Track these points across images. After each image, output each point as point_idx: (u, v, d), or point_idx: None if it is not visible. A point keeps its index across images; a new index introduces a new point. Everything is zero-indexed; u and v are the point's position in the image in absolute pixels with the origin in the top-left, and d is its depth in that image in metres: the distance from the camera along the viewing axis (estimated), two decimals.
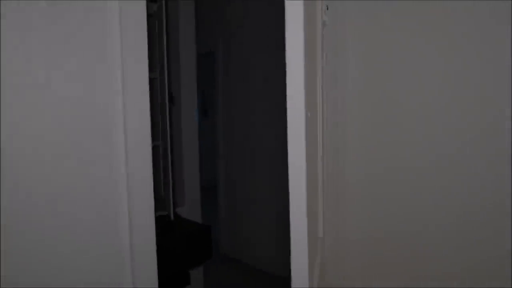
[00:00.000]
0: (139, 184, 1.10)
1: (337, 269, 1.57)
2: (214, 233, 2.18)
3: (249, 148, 3.48)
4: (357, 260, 1.55)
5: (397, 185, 1.48)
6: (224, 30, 3.63)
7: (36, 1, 0.87)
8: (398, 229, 1.48)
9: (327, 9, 1.51)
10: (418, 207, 1.45)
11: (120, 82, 1.04)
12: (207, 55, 3.85)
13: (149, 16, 2.24)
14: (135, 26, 1.07)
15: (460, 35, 1.35)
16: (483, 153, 1.34)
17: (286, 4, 0.78)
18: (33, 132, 0.89)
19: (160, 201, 2.27)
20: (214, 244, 2.17)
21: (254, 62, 3.34)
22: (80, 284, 0.98)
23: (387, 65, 1.48)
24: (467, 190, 1.38)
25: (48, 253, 0.92)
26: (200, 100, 6.10)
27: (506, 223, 1.31)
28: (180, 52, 2.46)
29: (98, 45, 1.00)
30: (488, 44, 1.30)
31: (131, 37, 1.05)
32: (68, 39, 0.94)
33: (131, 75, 1.07)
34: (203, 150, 4.52)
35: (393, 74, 1.47)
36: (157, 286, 1.20)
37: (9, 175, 0.84)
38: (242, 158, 3.58)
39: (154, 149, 2.29)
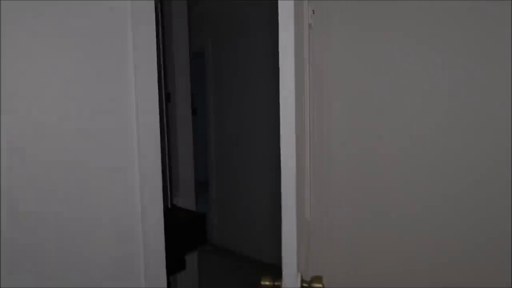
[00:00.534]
0: (151, 171, 1.25)
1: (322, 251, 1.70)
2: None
3: (240, 143, 3.65)
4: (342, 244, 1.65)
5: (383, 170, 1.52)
6: (214, 31, 3.77)
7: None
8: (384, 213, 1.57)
9: (313, 13, 1.66)
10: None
11: (133, 84, 1.18)
12: (196, 56, 3.99)
13: None
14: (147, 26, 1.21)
15: (459, 38, 1.33)
16: (481, 152, 1.34)
17: (280, 4, 0.88)
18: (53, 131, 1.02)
19: None
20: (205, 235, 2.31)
21: (245, 61, 3.50)
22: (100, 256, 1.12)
23: (373, 64, 1.51)
24: (460, 186, 1.40)
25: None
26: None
27: (506, 222, 1.33)
28: (174, 51, 2.60)
29: (115, 47, 1.15)
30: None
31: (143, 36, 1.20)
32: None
33: (142, 75, 1.21)
34: (195, 147, 4.65)
35: (379, 75, 1.50)
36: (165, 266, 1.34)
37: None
38: (233, 153, 3.74)
39: None
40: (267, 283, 0.93)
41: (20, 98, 0.96)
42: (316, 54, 1.61)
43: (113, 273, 1.18)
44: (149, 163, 1.26)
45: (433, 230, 1.45)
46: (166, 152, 2.29)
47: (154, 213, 1.30)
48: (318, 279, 0.95)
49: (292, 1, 0.86)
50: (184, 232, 2.06)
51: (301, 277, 0.93)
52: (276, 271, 0.94)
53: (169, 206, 2.17)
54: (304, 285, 0.92)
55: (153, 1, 1.26)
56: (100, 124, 1.13)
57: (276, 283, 0.91)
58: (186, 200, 2.52)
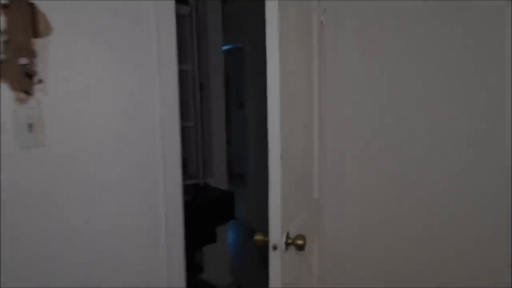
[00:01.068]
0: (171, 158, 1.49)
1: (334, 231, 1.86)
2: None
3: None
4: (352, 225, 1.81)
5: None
6: (250, 27, 3.98)
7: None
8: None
9: (325, 11, 1.81)
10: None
11: (157, 78, 1.42)
12: (238, 51, 4.25)
13: (183, 17, 2.65)
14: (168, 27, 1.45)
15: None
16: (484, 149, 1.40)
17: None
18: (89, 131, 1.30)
19: (192, 172, 2.70)
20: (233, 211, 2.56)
21: None
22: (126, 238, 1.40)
23: (385, 62, 1.60)
24: (461, 185, 1.45)
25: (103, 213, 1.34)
26: (235, 93, 6.52)
27: (506, 222, 1.36)
28: (209, 47, 2.86)
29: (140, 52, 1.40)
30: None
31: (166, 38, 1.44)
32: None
33: (165, 69, 1.45)
34: (240, 140, 4.94)
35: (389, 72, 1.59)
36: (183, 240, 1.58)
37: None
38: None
39: (187, 129, 2.72)
40: (259, 237, 1.16)
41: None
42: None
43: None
44: (171, 147, 1.50)
45: (434, 230, 1.53)
46: (200, 138, 2.57)
47: (174, 185, 1.53)
48: (301, 237, 1.16)
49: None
50: (213, 206, 2.34)
51: (288, 234, 1.15)
52: None
53: (201, 184, 2.45)
54: (289, 241, 1.14)
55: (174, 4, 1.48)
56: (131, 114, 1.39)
57: (265, 238, 1.14)
58: (219, 179, 2.79)
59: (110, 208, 1.32)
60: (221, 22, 2.89)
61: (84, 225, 1.25)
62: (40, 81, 1.12)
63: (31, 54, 1.11)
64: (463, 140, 1.43)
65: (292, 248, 1.17)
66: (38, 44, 1.11)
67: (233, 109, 6.46)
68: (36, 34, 1.11)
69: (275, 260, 1.12)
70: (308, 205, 1.59)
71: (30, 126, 1.10)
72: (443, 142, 1.47)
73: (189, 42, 2.69)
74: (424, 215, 1.54)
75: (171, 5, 1.47)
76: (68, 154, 1.20)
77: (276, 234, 1.11)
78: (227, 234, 2.92)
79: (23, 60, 1.11)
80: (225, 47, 4.31)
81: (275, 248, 1.10)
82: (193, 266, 2.88)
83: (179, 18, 2.68)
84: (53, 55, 1.15)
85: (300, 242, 1.15)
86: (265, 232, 1.15)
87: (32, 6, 1.10)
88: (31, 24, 1.10)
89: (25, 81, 1.10)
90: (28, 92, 1.11)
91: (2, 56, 1.06)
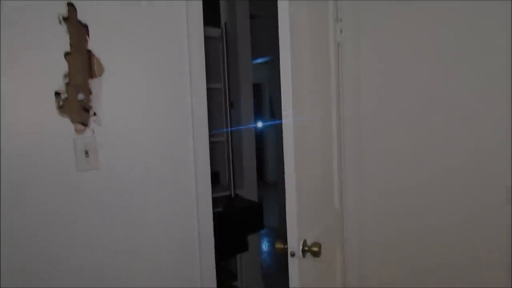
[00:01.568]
0: (202, 171, 1.68)
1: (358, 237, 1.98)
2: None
3: None
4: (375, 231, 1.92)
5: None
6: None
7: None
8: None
9: (341, 32, 1.95)
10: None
11: (189, 94, 1.61)
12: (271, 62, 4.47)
13: (214, 38, 2.88)
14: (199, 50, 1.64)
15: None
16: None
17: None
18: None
19: (224, 184, 2.90)
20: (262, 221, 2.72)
21: None
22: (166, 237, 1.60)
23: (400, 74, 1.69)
24: (460, 184, 1.53)
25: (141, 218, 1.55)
26: (269, 105, 6.75)
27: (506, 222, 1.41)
28: (239, 65, 3.06)
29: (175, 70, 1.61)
30: None
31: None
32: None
33: (196, 87, 1.63)
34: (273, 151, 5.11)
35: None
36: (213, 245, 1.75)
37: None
38: None
39: (219, 143, 2.93)
40: (279, 245, 1.32)
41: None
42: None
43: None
44: (200, 163, 1.68)
45: (438, 230, 1.63)
46: (230, 152, 2.76)
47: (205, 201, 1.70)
48: (316, 244, 1.31)
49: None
50: (244, 216, 2.52)
51: (305, 242, 1.30)
52: None
53: (233, 195, 2.64)
54: (306, 248, 1.29)
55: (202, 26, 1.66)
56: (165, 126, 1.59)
57: (285, 246, 1.30)
58: (249, 190, 2.97)
59: (150, 220, 1.53)
60: (250, 40, 3.09)
61: (129, 233, 1.46)
62: (95, 114, 1.35)
63: (87, 91, 1.34)
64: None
65: (309, 255, 1.32)
66: (93, 83, 1.34)
67: (266, 119, 6.67)
68: (91, 74, 1.34)
69: (293, 265, 1.28)
70: (329, 215, 1.73)
71: (87, 153, 1.33)
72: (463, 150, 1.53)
73: (220, 62, 2.91)
74: (449, 227, 1.60)
75: (201, 30, 1.64)
76: (116, 174, 1.42)
77: (293, 242, 1.27)
78: (259, 243, 3.09)
79: (80, 96, 1.34)
80: (260, 60, 4.58)
81: (293, 254, 1.26)
82: (226, 274, 3.07)
83: (211, 40, 2.93)
84: (104, 91, 1.37)
85: (315, 249, 1.30)
86: (285, 240, 1.31)
87: (89, 53, 1.33)
88: (88, 67, 1.33)
89: (82, 114, 1.33)
90: (84, 124, 1.33)
91: (64, 95, 1.30)
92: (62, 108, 1.29)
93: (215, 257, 1.73)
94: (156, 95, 1.51)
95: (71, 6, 1.29)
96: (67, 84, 1.30)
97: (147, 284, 1.52)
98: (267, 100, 6.94)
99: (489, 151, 1.47)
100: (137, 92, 1.46)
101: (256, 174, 3.12)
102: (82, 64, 1.32)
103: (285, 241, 1.32)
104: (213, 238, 1.71)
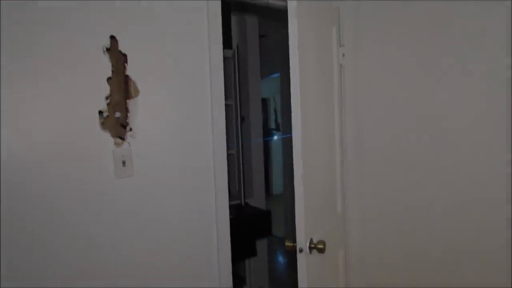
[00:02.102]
0: (221, 182, 1.89)
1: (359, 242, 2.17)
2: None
3: None
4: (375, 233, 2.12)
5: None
6: (284, 58, 4.41)
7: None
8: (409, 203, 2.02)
9: (344, 56, 2.18)
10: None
11: (210, 113, 1.84)
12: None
13: (227, 58, 3.12)
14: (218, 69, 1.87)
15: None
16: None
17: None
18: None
19: (235, 193, 3.11)
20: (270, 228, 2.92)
21: None
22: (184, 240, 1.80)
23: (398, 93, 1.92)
24: (460, 185, 1.65)
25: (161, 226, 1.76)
26: (275, 118, 6.99)
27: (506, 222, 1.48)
28: (249, 82, 3.30)
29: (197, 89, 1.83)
30: None
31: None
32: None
33: (216, 105, 1.86)
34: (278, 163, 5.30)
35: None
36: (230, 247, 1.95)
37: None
38: None
39: (231, 156, 3.15)
40: (288, 244, 1.52)
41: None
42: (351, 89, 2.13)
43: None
44: (219, 173, 1.89)
45: (438, 230, 1.77)
46: (241, 163, 2.98)
47: (222, 208, 1.91)
48: (321, 242, 1.51)
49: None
50: (252, 222, 2.72)
51: (311, 240, 1.50)
52: None
53: (243, 204, 2.84)
54: (312, 245, 1.49)
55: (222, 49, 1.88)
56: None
57: (294, 244, 1.50)
58: (258, 199, 3.18)
59: (174, 222, 1.73)
60: (259, 59, 3.33)
61: (156, 235, 1.67)
62: (131, 129, 1.57)
63: (125, 110, 1.56)
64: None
65: (315, 252, 1.52)
66: (130, 103, 1.57)
67: (272, 132, 6.89)
68: (128, 96, 1.57)
69: (301, 260, 1.48)
70: (333, 218, 1.93)
71: (124, 163, 1.55)
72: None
73: (232, 80, 3.14)
74: (448, 227, 1.72)
75: (220, 56, 1.86)
76: (148, 181, 1.63)
77: (301, 239, 1.47)
78: (267, 249, 3.28)
79: (117, 114, 1.56)
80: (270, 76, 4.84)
81: (301, 250, 1.47)
82: (236, 277, 3.25)
83: (225, 60, 3.14)
84: (139, 110, 1.60)
85: (320, 246, 1.50)
86: (294, 240, 1.52)
87: (126, 77, 1.56)
88: (125, 89, 1.56)
89: (120, 130, 1.55)
90: (122, 138, 1.56)
91: (106, 113, 1.52)
92: (103, 125, 1.51)
93: None
94: (181, 113, 1.74)
95: (113, 38, 1.52)
96: (108, 104, 1.52)
97: (173, 284, 1.72)
98: (272, 114, 7.18)
99: (488, 156, 1.56)
100: (165, 110, 1.69)
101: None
102: (121, 87, 1.55)
103: (294, 240, 1.52)
104: (229, 243, 1.91)
